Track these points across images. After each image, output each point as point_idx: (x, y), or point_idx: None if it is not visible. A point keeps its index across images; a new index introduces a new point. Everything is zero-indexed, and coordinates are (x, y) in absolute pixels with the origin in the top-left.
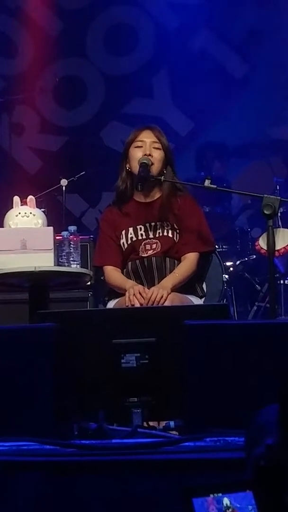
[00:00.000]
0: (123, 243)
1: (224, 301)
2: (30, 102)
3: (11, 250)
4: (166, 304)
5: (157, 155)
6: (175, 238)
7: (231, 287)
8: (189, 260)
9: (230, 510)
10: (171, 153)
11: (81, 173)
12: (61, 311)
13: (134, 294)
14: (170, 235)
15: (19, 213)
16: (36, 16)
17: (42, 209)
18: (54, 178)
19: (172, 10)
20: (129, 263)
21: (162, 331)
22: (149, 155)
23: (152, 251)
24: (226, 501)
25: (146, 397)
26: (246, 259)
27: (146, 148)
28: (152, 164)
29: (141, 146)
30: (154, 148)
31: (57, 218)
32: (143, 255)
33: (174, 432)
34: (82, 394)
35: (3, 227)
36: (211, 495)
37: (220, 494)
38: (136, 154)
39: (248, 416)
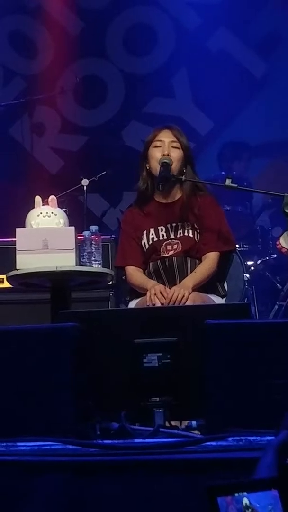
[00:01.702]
0: (144, 243)
1: (245, 300)
2: (51, 102)
3: (33, 250)
4: (187, 303)
5: (176, 155)
6: (196, 238)
7: (252, 286)
8: (210, 259)
9: (249, 510)
10: (191, 153)
11: (102, 173)
12: (83, 311)
13: (155, 294)
14: (191, 235)
15: (41, 213)
16: (57, 16)
17: (64, 209)
18: (75, 178)
19: (191, 10)
20: (151, 264)
21: (183, 331)
22: (168, 154)
23: (173, 251)
24: (245, 500)
25: (168, 396)
26: (267, 258)
27: (165, 148)
28: (172, 163)
29: (160, 146)
30: (172, 147)
31: (78, 218)
32: (164, 255)
33: (196, 432)
34: (104, 394)
35: (25, 227)
36: (235, 494)
37: (240, 494)
38: (155, 154)
39: (270, 415)
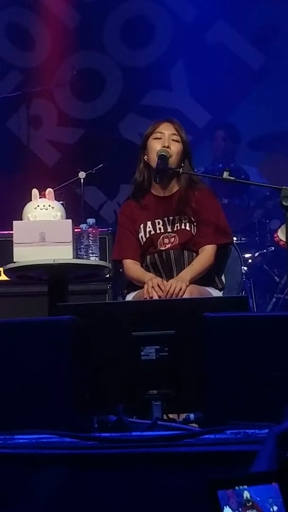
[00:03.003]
0: (141, 236)
1: (243, 293)
2: (48, 95)
3: (30, 242)
4: (185, 296)
5: (176, 148)
6: (192, 231)
7: (250, 279)
8: (207, 252)
9: (250, 503)
10: (189, 147)
11: (99, 166)
12: (80, 304)
13: (152, 287)
14: (187, 228)
15: (38, 205)
16: (54, 8)
17: (61, 202)
18: (72, 170)
19: (189, 2)
20: (148, 257)
21: (181, 323)
22: (168, 147)
23: (170, 244)
24: (246, 494)
25: (166, 389)
26: (265, 251)
27: (165, 140)
28: (170, 156)
29: (160, 138)
30: (173, 140)
31: (75, 210)
32: (161, 249)
33: (194, 425)
34: (101, 386)
35: (22, 219)
36: (235, 488)
37: (240, 487)
38: (155, 146)
39: (268, 408)
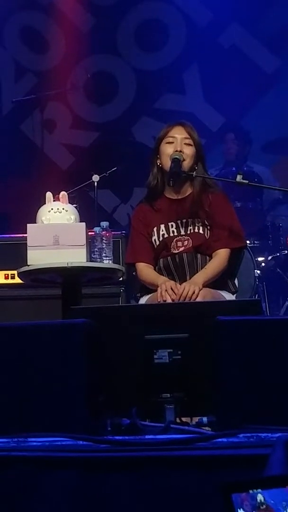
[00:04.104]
0: (154, 240)
1: (256, 297)
2: (62, 98)
3: (44, 246)
4: (198, 299)
5: (188, 151)
6: (206, 234)
7: (263, 283)
8: (220, 256)
9: (264, 506)
10: (202, 150)
11: (113, 169)
12: (94, 307)
13: (166, 290)
14: (201, 231)
15: (52, 209)
16: (68, 12)
17: (74, 205)
18: (85, 173)
19: (203, 5)
20: (161, 260)
21: (194, 327)
22: (180, 151)
23: (183, 247)
24: (260, 497)
25: (179, 393)
26: (278, 254)
27: (177, 144)
28: (184, 160)
29: (172, 142)
30: (185, 144)
31: (89, 213)
32: (174, 252)
33: (207, 428)
34: (115, 390)
35: (36, 223)
36: (249, 491)
37: (255, 491)
38: (167, 150)
39: (281, 412)
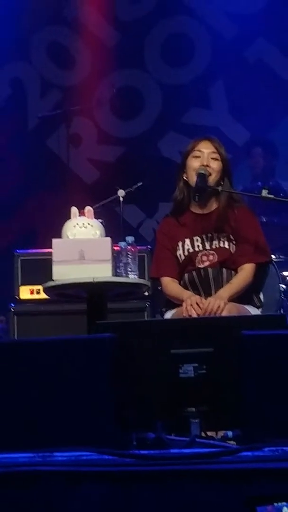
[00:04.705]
0: (179, 254)
1: (282, 311)
2: (88, 113)
3: (69, 261)
4: (223, 314)
5: (215, 166)
6: (231, 249)
7: None
8: (246, 271)
9: None
10: (229, 164)
11: (138, 184)
12: (120, 322)
13: (191, 305)
14: (226, 246)
15: (77, 224)
16: (93, 27)
17: (100, 220)
18: (111, 188)
19: (229, 19)
20: (186, 274)
21: (219, 341)
22: (207, 165)
23: (208, 262)
24: (285, 510)
25: (204, 407)
26: None
27: (204, 159)
28: (210, 174)
29: (199, 156)
30: (212, 158)
31: (114, 228)
32: (199, 266)
33: (232, 442)
34: (140, 404)
35: (61, 238)
36: (274, 504)
37: (280, 503)
38: (194, 164)
39: None
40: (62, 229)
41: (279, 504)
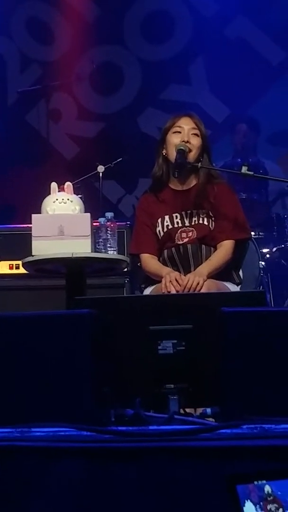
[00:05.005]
0: (159, 231)
1: (261, 288)
2: (67, 88)
3: (48, 236)
4: (202, 291)
5: (195, 142)
6: (210, 226)
7: (267, 274)
8: (225, 247)
9: (271, 497)
10: (208, 141)
11: (118, 160)
12: (98, 298)
13: (170, 281)
14: (205, 223)
15: (57, 199)
16: (74, 3)
17: (79, 196)
18: (91, 164)
19: None
20: (165, 251)
21: (198, 318)
22: (187, 141)
23: (187, 238)
24: (267, 488)
25: (183, 383)
26: (283, 246)
27: (184, 135)
28: (190, 151)
29: (180, 132)
30: (192, 134)
31: (94, 204)
32: (179, 243)
33: (210, 419)
34: (118, 380)
35: (41, 213)
36: (254, 482)
37: (262, 482)
38: (174, 140)
39: (285, 403)
40: (41, 204)
41: (260, 482)
